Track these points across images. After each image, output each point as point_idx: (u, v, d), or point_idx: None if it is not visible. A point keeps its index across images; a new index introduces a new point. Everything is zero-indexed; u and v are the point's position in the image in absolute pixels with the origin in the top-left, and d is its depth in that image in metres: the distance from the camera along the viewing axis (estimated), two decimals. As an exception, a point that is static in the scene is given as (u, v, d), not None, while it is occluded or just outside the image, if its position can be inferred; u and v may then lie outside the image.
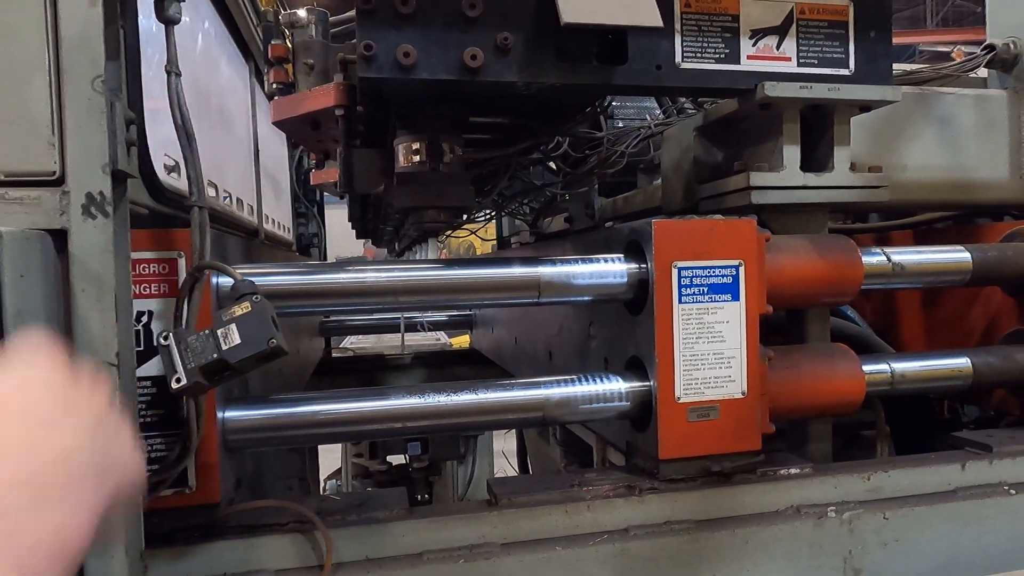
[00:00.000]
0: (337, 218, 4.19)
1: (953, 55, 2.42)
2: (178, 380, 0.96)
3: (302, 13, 1.79)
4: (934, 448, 1.60)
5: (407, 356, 3.66)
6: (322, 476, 5.58)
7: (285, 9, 1.99)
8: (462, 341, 5.95)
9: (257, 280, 1.17)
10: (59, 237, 0.94)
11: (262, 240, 2.65)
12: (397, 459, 5.42)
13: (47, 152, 0.94)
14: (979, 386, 1.62)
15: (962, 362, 1.61)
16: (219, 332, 0.98)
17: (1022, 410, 1.72)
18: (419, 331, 3.53)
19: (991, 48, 1.97)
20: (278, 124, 1.76)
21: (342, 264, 1.37)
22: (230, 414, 1.23)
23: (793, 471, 1.44)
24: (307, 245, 3.90)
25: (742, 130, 1.67)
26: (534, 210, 2.78)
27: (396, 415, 1.32)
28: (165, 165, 1.55)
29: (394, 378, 3.65)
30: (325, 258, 4.06)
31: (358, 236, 2.82)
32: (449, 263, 1.39)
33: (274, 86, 1.76)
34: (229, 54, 2.50)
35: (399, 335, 3.77)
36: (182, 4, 1.14)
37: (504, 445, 5.71)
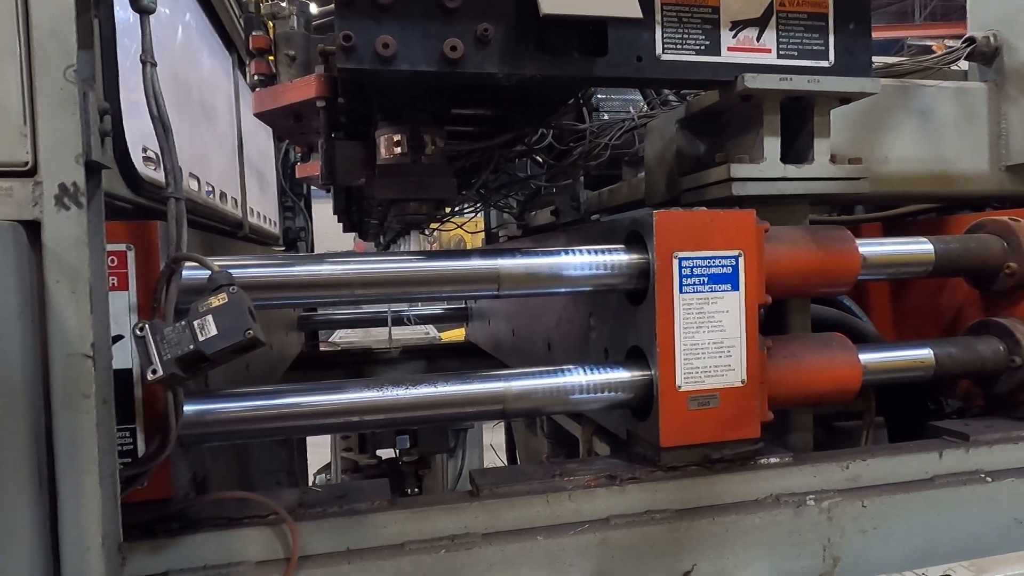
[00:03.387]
0: (325, 212, 4.18)
1: (935, 48, 2.45)
2: (154, 371, 0.96)
3: (283, 3, 1.78)
4: (920, 438, 1.62)
5: (395, 350, 3.66)
6: (312, 471, 5.58)
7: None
8: (456, 335, 5.95)
9: (232, 272, 1.18)
10: (32, 228, 0.94)
11: (247, 233, 2.63)
12: (387, 453, 5.43)
13: (19, 142, 0.93)
14: (941, 376, 1.63)
15: (924, 353, 1.63)
16: (195, 323, 0.98)
17: (987, 400, 1.74)
18: (407, 324, 3.53)
19: (971, 41, 1.99)
20: (260, 116, 1.75)
21: (306, 257, 1.36)
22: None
23: (773, 460, 1.45)
24: (294, 239, 3.89)
25: (724, 122, 1.67)
26: (520, 203, 2.78)
27: (355, 408, 1.32)
28: (145, 157, 1.54)
29: (381, 372, 3.65)
30: (312, 252, 4.05)
31: (345, 230, 2.81)
32: (437, 255, 1.39)
33: (255, 77, 1.75)
34: (211, 45, 2.48)
35: (387, 329, 3.77)
36: (158, -6, 1.13)
37: (492, 439, 5.73)
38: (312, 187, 4.00)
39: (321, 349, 3.98)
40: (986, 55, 1.99)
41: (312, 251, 4.06)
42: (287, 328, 3.35)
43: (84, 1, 0.96)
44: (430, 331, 4.98)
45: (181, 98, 2.08)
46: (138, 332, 0.97)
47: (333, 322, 3.68)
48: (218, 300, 0.98)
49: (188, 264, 1.11)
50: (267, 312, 2.51)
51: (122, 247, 1.13)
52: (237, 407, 1.26)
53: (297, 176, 2.20)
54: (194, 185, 2.01)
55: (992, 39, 1.98)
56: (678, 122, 1.76)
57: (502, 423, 4.55)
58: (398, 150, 1.49)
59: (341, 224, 2.91)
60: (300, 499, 1.29)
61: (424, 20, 1.30)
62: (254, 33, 1.75)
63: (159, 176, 1.50)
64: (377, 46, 1.28)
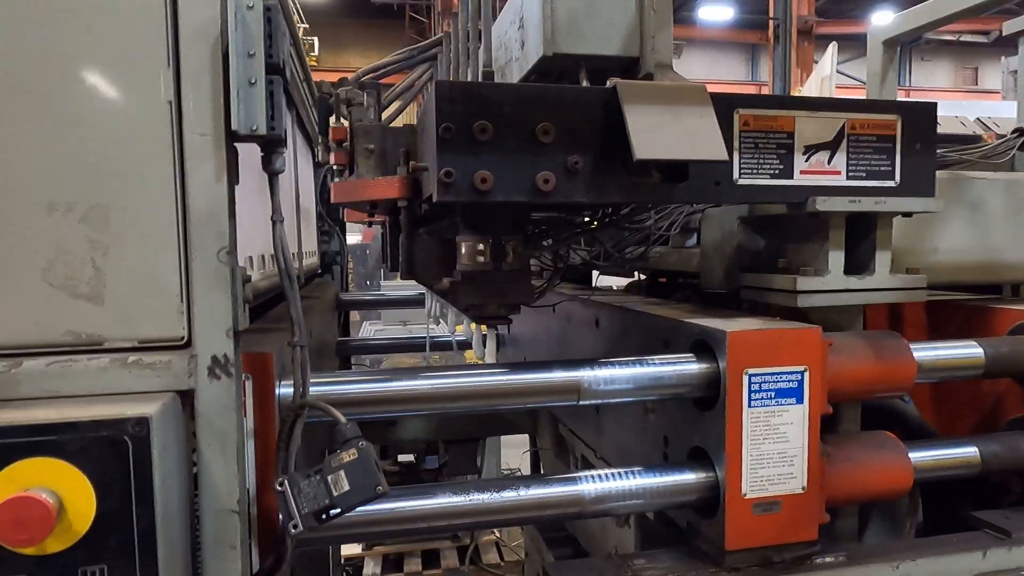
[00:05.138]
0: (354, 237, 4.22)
1: (985, 138, 2.53)
2: (295, 526, 1.05)
3: (360, 91, 1.84)
4: (958, 516, 1.72)
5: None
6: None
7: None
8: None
9: (327, 388, 1.28)
10: (187, 396, 1.02)
11: (299, 281, 2.71)
12: (407, 458, 5.57)
13: (177, 319, 1.01)
14: (987, 474, 1.73)
15: (971, 451, 1.71)
16: (329, 478, 1.06)
17: (1023, 488, 1.83)
18: (448, 350, 3.62)
19: (1022, 131, 2.04)
20: (337, 203, 1.83)
21: (402, 372, 1.45)
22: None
23: (828, 559, 1.55)
24: (330, 263, 3.97)
25: (787, 225, 1.74)
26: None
27: (446, 513, 1.41)
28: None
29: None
30: (345, 275, 4.12)
31: (391, 270, 2.87)
32: (521, 367, 1.48)
33: (335, 168, 1.82)
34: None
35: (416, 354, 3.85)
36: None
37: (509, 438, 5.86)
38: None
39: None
40: (1036, 146, 2.05)
41: (345, 275, 4.14)
42: (330, 355, 3.45)
43: (232, 185, 1.04)
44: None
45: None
46: (278, 487, 1.06)
47: (371, 347, 3.78)
48: (349, 456, 1.07)
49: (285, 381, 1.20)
50: (315, 334, 2.60)
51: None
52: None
53: (332, 201, 2.26)
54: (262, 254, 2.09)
55: (1042, 131, 2.04)
56: (740, 218, 1.83)
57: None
58: (481, 259, 1.56)
59: (386, 263, 2.98)
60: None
61: (518, 154, 1.37)
62: (333, 125, 1.81)
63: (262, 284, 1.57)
64: (475, 180, 1.34)
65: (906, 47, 20.72)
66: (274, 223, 1.15)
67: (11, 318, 0.97)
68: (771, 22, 17.27)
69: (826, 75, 11.40)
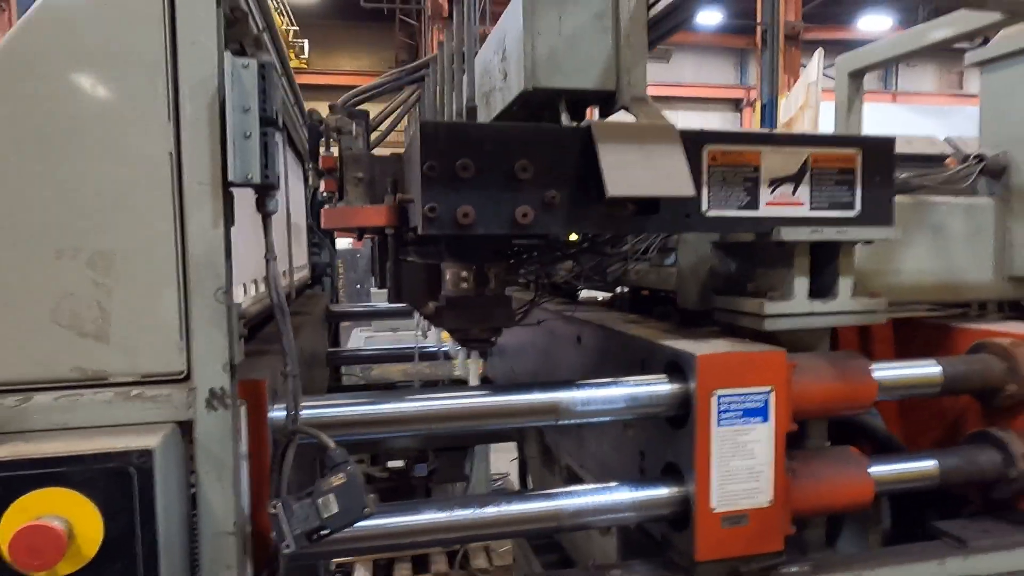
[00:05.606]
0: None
1: (948, 163, 2.63)
2: (287, 546, 1.12)
3: (350, 120, 1.92)
4: (925, 526, 1.81)
5: (417, 384, 3.82)
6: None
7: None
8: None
9: (317, 412, 1.36)
10: (186, 427, 1.10)
11: (291, 298, 2.78)
12: (397, 464, 5.64)
13: (177, 355, 1.09)
14: (946, 486, 1.82)
15: (931, 465, 1.81)
16: (319, 501, 1.14)
17: (983, 501, 1.92)
18: (436, 360, 3.70)
19: (982, 158, 2.14)
20: (327, 228, 1.91)
21: (389, 395, 1.53)
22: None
23: (794, 569, 1.63)
24: (320, 275, 4.04)
25: (755, 251, 1.83)
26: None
27: (432, 529, 1.50)
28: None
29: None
30: (336, 286, 4.19)
31: (379, 286, 2.95)
32: (503, 389, 1.56)
33: (325, 194, 1.90)
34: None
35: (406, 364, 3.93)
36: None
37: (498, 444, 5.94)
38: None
39: (343, 383, 4.15)
40: (995, 172, 2.15)
41: (336, 286, 4.21)
42: (320, 365, 3.52)
43: (228, 229, 1.11)
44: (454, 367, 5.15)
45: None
46: (272, 510, 1.13)
47: (360, 358, 3.84)
48: (338, 480, 1.15)
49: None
50: (306, 347, 2.67)
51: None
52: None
53: (323, 227, 2.33)
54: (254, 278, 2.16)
55: (1001, 157, 2.13)
56: (713, 243, 1.92)
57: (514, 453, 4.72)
58: (464, 285, 1.64)
59: (374, 277, 3.05)
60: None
61: (498, 191, 1.45)
62: (323, 154, 1.89)
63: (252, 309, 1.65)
64: (458, 215, 1.42)
65: (892, 52, 20.98)
66: (267, 260, 1.22)
67: (21, 356, 1.04)
68: (759, 27, 17.42)
69: (812, 80, 11.54)
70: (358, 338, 6.07)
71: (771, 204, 1.62)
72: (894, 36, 2.23)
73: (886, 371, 1.77)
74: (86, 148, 1.04)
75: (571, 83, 1.77)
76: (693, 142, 1.54)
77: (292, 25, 21.01)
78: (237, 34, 1.15)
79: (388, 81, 2.46)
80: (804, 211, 1.65)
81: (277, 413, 1.34)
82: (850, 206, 1.68)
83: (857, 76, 2.35)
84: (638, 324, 2.07)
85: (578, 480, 3.03)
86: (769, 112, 14.26)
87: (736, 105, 23.60)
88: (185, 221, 1.07)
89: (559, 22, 1.74)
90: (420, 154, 1.40)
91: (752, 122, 14.61)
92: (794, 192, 1.64)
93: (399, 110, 2.57)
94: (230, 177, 1.06)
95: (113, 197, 1.05)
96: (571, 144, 1.48)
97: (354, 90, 2.32)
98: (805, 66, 13.13)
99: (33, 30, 1.02)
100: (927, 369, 1.81)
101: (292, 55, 22.21)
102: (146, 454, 0.97)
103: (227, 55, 1.04)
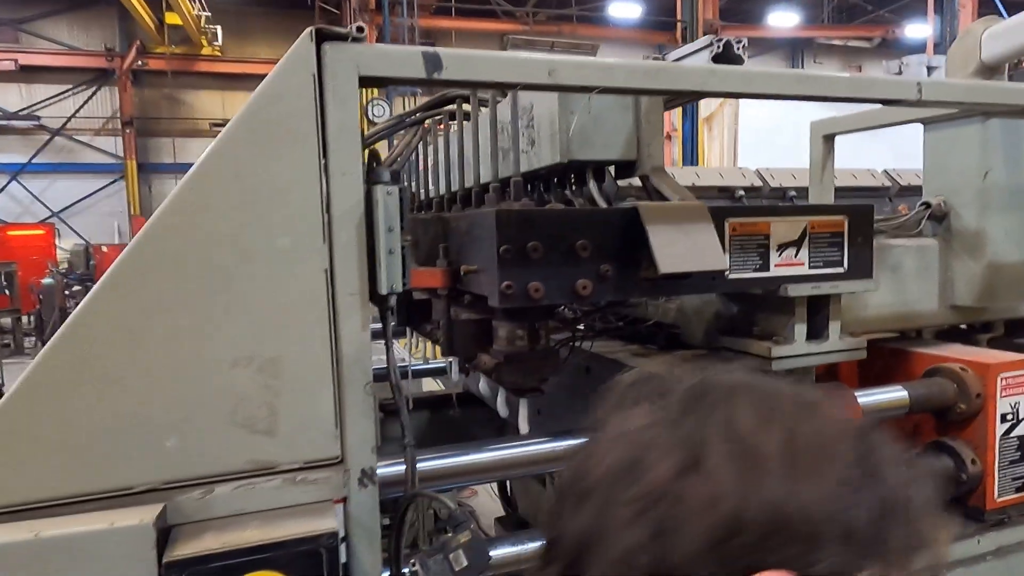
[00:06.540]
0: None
1: (900, 210, 3.02)
2: (428, 599, 1.31)
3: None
4: None
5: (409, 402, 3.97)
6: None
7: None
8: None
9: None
10: (339, 503, 1.27)
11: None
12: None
13: (333, 442, 1.25)
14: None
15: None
16: (451, 556, 1.34)
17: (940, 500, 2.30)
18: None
19: (927, 205, 2.51)
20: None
21: (471, 446, 1.73)
22: None
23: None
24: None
25: (757, 298, 2.12)
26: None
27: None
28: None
29: (390, 422, 3.97)
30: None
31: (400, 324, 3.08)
32: (562, 436, 1.78)
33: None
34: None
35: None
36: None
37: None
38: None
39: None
40: (938, 217, 2.52)
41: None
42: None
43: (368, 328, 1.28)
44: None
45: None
46: (412, 567, 1.32)
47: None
48: (464, 537, 1.35)
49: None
50: None
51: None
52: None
53: (412, 285, 2.45)
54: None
55: (943, 204, 2.51)
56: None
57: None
58: (520, 343, 1.85)
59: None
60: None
61: (561, 267, 1.66)
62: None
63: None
64: (530, 290, 1.63)
65: (798, 49, 22.26)
66: (387, 348, 1.40)
67: (205, 453, 1.18)
68: (679, 24, 18.09)
69: (731, 79, 12.16)
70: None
71: (779, 265, 1.91)
72: (864, 111, 2.57)
73: (865, 397, 2.10)
74: (256, 272, 1.19)
75: (598, 155, 2.01)
76: (718, 216, 1.80)
77: (204, 11, 20.12)
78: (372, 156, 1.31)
79: (392, 124, 2.61)
80: (804, 270, 1.94)
81: (384, 470, 1.51)
82: (839, 263, 1.98)
83: (829, 139, 2.68)
84: (644, 356, 2.33)
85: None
86: (691, 107, 14.91)
87: (658, 97, 24.33)
88: (338, 327, 1.23)
89: (588, 102, 1.97)
90: (496, 238, 1.60)
91: (673, 115, 15.21)
92: (796, 254, 1.93)
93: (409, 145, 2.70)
94: (381, 291, 1.23)
95: (279, 311, 1.20)
96: (619, 223, 1.71)
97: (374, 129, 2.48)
98: (724, 64, 13.76)
99: (206, 174, 1.16)
100: (896, 394, 2.16)
101: (204, 42, 21.27)
102: (332, 535, 1.14)
103: (378, 187, 1.21)
